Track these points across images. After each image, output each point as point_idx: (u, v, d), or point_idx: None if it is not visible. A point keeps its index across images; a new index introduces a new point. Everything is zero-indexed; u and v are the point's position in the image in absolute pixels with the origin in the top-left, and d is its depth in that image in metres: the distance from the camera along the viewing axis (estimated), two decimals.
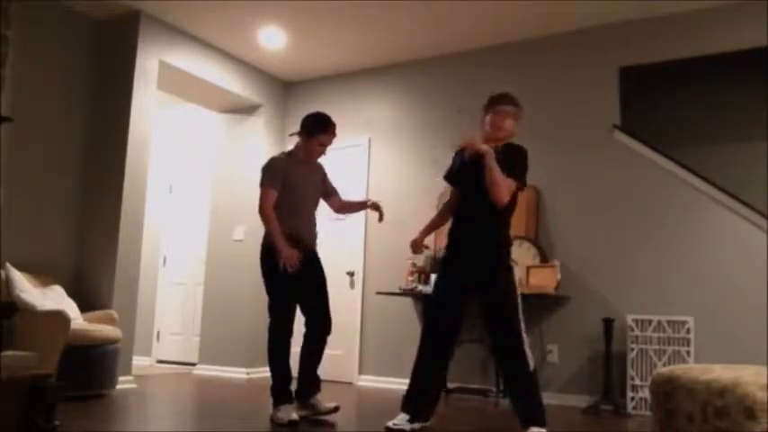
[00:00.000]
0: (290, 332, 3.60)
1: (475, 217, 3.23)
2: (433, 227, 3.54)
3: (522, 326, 3.10)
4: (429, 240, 5.17)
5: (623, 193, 4.72)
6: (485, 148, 3.09)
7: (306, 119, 3.73)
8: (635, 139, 4.74)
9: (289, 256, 3.45)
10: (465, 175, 3.28)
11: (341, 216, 4.74)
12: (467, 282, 3.22)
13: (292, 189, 3.62)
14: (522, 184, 3.21)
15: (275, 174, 3.61)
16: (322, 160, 3.88)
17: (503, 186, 3.07)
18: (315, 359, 3.65)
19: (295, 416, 3.48)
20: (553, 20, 4.94)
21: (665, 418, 2.21)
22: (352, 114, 5.96)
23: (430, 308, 3.29)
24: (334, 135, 3.72)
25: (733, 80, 5.08)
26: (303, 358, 3.64)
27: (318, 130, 3.66)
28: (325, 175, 3.89)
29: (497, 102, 3.28)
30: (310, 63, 5.94)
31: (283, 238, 3.49)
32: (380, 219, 3.81)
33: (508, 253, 3.23)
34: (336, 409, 3.62)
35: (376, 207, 3.81)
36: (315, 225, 3.78)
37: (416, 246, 3.50)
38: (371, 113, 5.96)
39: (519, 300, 3.14)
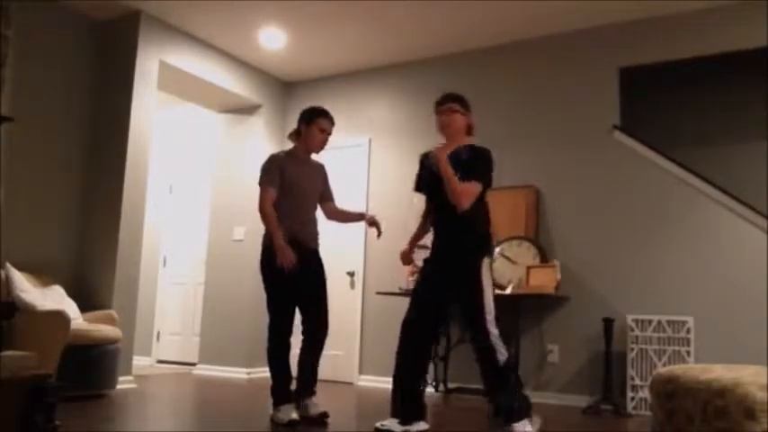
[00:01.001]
0: (289, 332, 3.59)
1: (448, 222, 3.28)
2: (417, 238, 3.57)
3: (490, 324, 3.08)
4: (428, 240, 5.19)
5: (623, 194, 4.72)
6: (439, 155, 3.17)
7: (303, 111, 3.76)
8: (635, 139, 4.74)
9: (286, 256, 3.44)
10: (433, 182, 3.30)
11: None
12: (444, 283, 3.23)
13: (291, 188, 3.62)
14: (484, 183, 3.22)
15: (273, 172, 3.60)
16: (323, 160, 3.87)
17: (460, 192, 3.13)
18: (312, 361, 3.64)
19: (295, 416, 3.48)
20: (553, 20, 4.94)
21: (665, 418, 2.21)
22: (352, 114, 5.96)
23: (411, 307, 3.30)
24: (332, 123, 3.73)
25: (733, 80, 5.08)
26: (300, 360, 3.64)
27: (317, 114, 3.68)
28: (325, 177, 3.87)
29: (437, 104, 3.39)
30: (310, 63, 5.94)
31: (282, 237, 3.48)
32: (378, 235, 3.79)
33: (483, 252, 3.21)
34: (325, 415, 3.56)
35: (373, 223, 3.79)
36: (315, 225, 3.77)
37: (406, 257, 3.56)
38: (371, 113, 5.96)
39: (487, 298, 3.11)
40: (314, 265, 3.67)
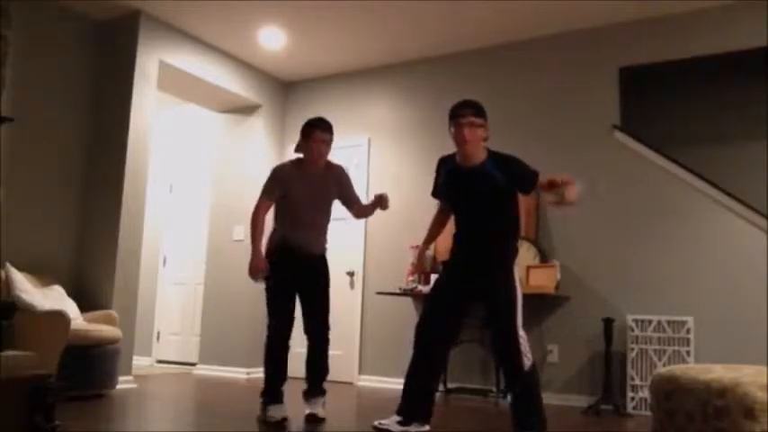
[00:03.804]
0: (286, 335, 3.60)
1: (483, 228, 3.17)
2: (432, 238, 3.46)
3: (519, 326, 3.02)
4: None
5: (623, 193, 4.72)
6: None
7: (302, 127, 3.73)
8: (635, 139, 4.74)
9: (253, 267, 3.56)
10: (465, 186, 3.18)
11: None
12: (470, 288, 3.14)
13: (291, 196, 3.63)
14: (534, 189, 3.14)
15: (273, 183, 3.66)
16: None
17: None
18: (318, 362, 3.66)
19: (284, 416, 3.51)
20: (553, 20, 4.94)
21: (665, 418, 2.21)
22: (352, 114, 5.96)
23: (427, 309, 3.25)
24: (330, 132, 3.67)
25: (733, 80, 5.07)
26: (307, 362, 3.67)
27: (312, 127, 3.64)
28: (342, 182, 3.78)
29: (456, 114, 3.08)
30: (310, 63, 5.94)
31: (260, 248, 3.58)
32: (384, 207, 3.74)
33: (514, 257, 3.20)
34: (322, 419, 3.58)
35: (381, 200, 3.75)
36: (321, 231, 3.73)
37: (422, 261, 3.53)
38: (371, 113, 5.96)
39: (519, 300, 3.07)
40: (316, 269, 3.68)
